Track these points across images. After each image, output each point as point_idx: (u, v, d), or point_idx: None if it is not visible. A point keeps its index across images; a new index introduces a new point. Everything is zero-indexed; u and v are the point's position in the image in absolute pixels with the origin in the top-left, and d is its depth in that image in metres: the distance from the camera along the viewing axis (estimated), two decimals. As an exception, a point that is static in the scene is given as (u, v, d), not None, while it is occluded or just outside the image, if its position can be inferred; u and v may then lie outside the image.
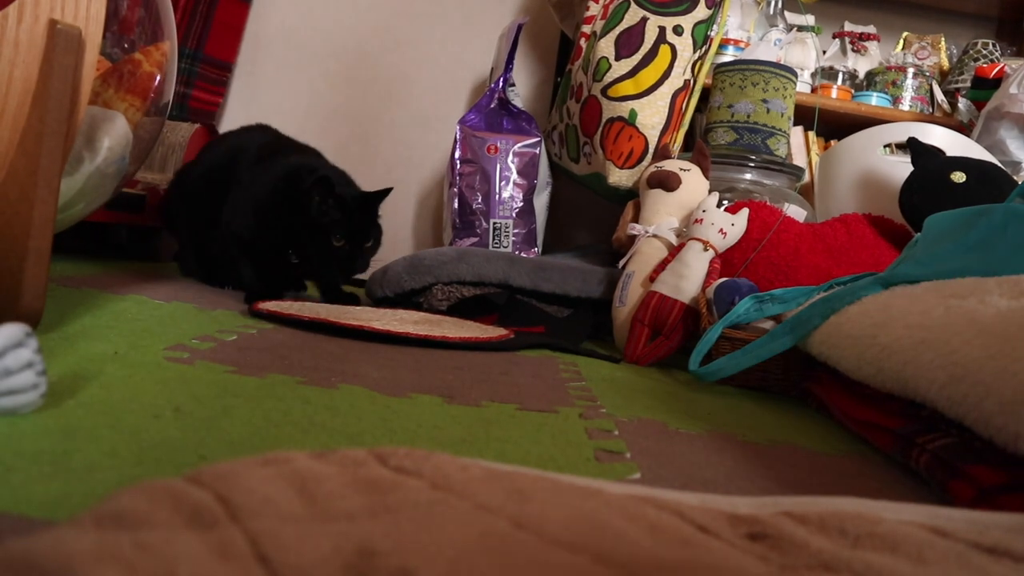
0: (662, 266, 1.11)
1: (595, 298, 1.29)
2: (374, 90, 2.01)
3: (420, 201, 2.02)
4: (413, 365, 0.80)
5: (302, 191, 1.12)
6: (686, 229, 1.14)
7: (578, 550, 0.25)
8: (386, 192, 1.18)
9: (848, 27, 1.96)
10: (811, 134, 1.78)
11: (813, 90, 1.78)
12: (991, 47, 1.79)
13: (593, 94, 1.46)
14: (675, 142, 1.46)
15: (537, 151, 1.60)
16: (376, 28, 2.00)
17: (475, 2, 2.01)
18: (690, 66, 1.44)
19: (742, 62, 1.46)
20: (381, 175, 1.99)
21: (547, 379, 0.82)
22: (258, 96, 2.00)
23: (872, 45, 1.93)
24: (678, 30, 1.43)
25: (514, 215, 1.58)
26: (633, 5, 1.46)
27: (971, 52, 1.81)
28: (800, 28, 1.79)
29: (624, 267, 1.20)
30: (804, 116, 1.70)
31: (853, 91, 1.81)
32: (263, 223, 1.16)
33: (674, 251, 1.12)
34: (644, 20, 1.44)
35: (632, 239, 1.22)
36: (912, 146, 1.21)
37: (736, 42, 1.71)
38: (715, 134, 1.47)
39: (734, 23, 1.73)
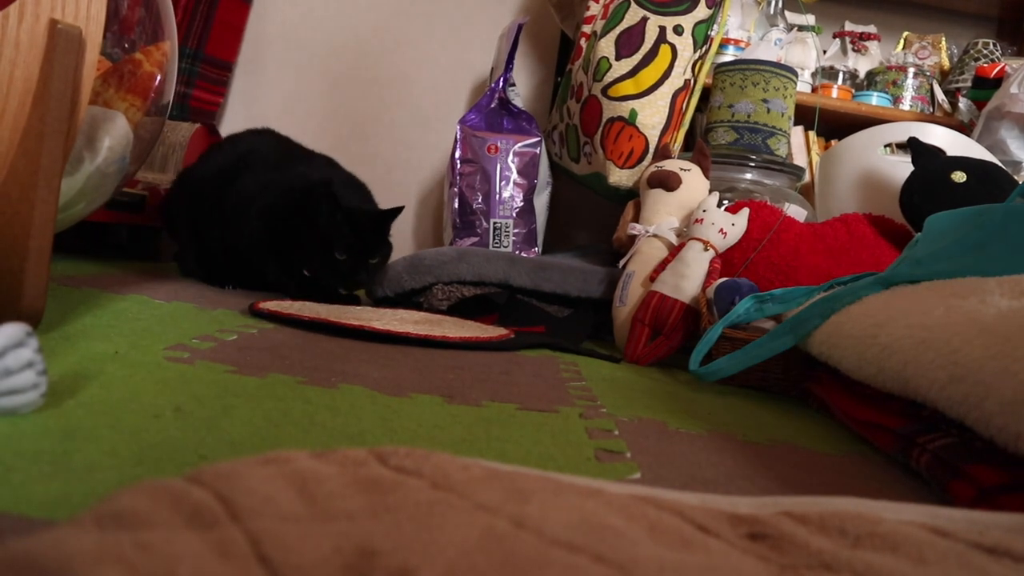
0: (662, 266, 1.11)
1: (595, 298, 1.29)
2: (374, 90, 2.01)
3: (420, 201, 2.02)
4: (413, 365, 0.80)
5: (311, 202, 1.14)
6: (686, 229, 1.14)
7: (578, 550, 0.25)
8: (398, 211, 1.20)
9: (848, 27, 1.96)
10: (811, 134, 1.78)
11: (814, 90, 1.78)
12: (992, 47, 1.79)
13: (593, 94, 1.46)
14: (675, 142, 1.46)
15: (537, 151, 1.60)
16: (376, 28, 2.00)
17: (475, 2, 2.01)
18: (690, 66, 1.44)
19: (743, 62, 1.46)
20: (381, 175, 1.99)
21: (547, 379, 0.82)
22: (258, 96, 2.00)
23: (872, 45, 1.93)
24: (678, 30, 1.43)
25: (514, 215, 1.58)
26: (633, 5, 1.46)
27: (972, 52, 1.81)
28: (800, 28, 1.79)
29: (624, 267, 1.20)
30: (804, 116, 1.70)
31: (853, 91, 1.81)
32: (274, 231, 1.18)
33: (674, 251, 1.12)
34: (644, 20, 1.44)
35: (632, 239, 1.22)
36: (912, 146, 1.21)
37: (736, 42, 1.71)
38: (715, 134, 1.47)
39: (734, 23, 1.73)
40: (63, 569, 0.20)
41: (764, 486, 0.52)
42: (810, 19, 1.80)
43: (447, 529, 0.26)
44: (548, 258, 1.44)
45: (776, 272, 1.11)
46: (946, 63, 1.90)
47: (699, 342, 0.92)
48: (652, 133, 1.42)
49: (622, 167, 1.44)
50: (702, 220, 1.09)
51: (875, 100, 1.77)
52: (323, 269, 1.17)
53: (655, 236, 1.18)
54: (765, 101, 1.42)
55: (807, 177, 1.68)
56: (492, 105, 1.65)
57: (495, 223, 1.57)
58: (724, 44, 1.69)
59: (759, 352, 0.84)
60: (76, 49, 0.67)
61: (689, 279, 1.06)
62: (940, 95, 1.79)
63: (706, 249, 1.07)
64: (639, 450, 0.56)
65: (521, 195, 1.59)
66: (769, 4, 1.77)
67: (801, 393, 0.91)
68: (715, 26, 1.48)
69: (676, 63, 1.42)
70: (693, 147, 1.31)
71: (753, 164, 1.38)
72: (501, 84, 1.64)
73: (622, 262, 1.21)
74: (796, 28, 1.79)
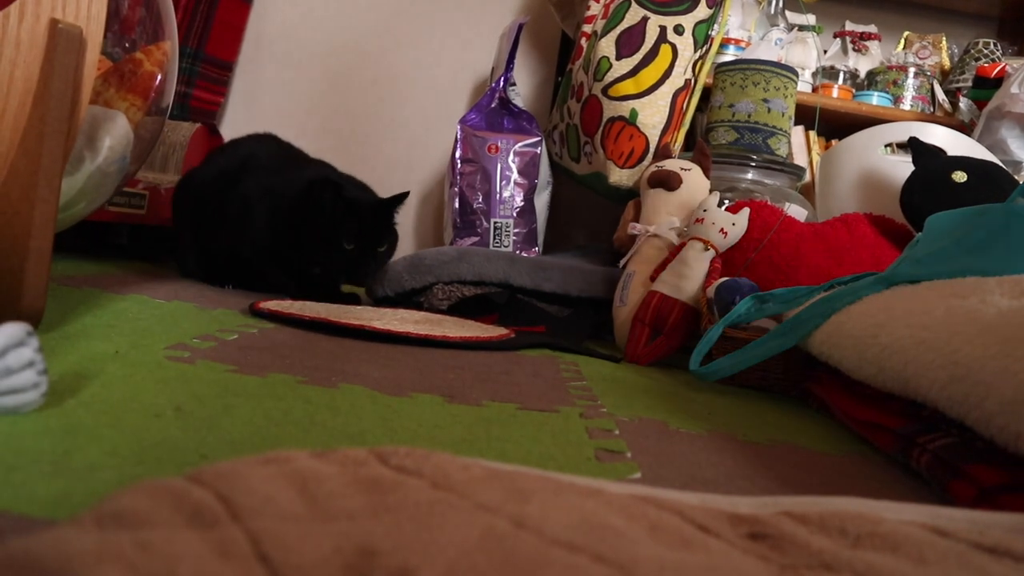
0: (663, 266, 1.11)
1: (596, 298, 1.29)
2: (375, 90, 2.01)
3: (421, 201, 2.02)
4: (414, 364, 0.80)
5: (314, 196, 1.15)
6: (687, 229, 1.14)
7: (578, 550, 0.25)
8: (402, 197, 1.21)
9: (849, 26, 1.96)
10: (812, 134, 1.78)
11: (814, 89, 1.78)
12: (992, 46, 1.79)
13: (594, 94, 1.46)
14: (676, 142, 1.46)
15: (538, 151, 1.60)
16: (377, 28, 2.00)
17: (476, 2, 2.01)
18: (691, 65, 1.44)
19: (743, 61, 1.46)
20: (381, 175, 1.99)
21: (548, 379, 0.82)
22: (259, 96, 2.00)
23: (873, 44, 1.93)
24: (679, 29, 1.43)
25: (515, 215, 1.58)
26: (634, 4, 1.46)
27: (972, 51, 1.81)
28: (801, 27, 1.79)
29: (625, 267, 1.20)
30: (805, 116, 1.70)
31: (854, 91, 1.81)
32: (283, 232, 1.19)
33: (675, 251, 1.12)
34: (645, 19, 1.44)
35: (633, 239, 1.22)
36: (913, 146, 1.21)
37: (737, 41, 1.71)
38: (716, 133, 1.47)
39: (735, 22, 1.73)
40: (64, 568, 0.20)
41: (764, 486, 0.52)
42: (811, 19, 1.80)
43: (447, 529, 0.26)
44: (548, 258, 1.44)
45: (777, 272, 1.11)
46: (947, 63, 1.90)
47: (699, 342, 0.92)
48: (652, 133, 1.41)
49: (622, 167, 1.44)
50: (703, 220, 1.09)
51: (876, 100, 1.77)
52: (331, 262, 1.18)
53: (655, 236, 1.18)
54: (766, 101, 1.42)
55: (807, 177, 1.68)
56: (493, 105, 1.65)
57: (495, 223, 1.57)
58: (725, 44, 1.69)
59: (759, 352, 0.84)
60: (77, 49, 0.67)
61: (689, 279, 1.06)
62: (941, 95, 1.79)
63: (706, 249, 1.07)
64: (639, 450, 0.56)
65: (521, 195, 1.59)
66: (770, 4, 1.77)
67: (801, 393, 0.91)
68: (716, 26, 1.48)
69: (677, 63, 1.42)
70: (694, 147, 1.31)
71: (754, 164, 1.38)
72: (502, 84, 1.64)
73: (622, 262, 1.21)
74: (797, 28, 1.79)
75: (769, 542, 0.30)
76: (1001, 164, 1.20)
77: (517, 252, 1.57)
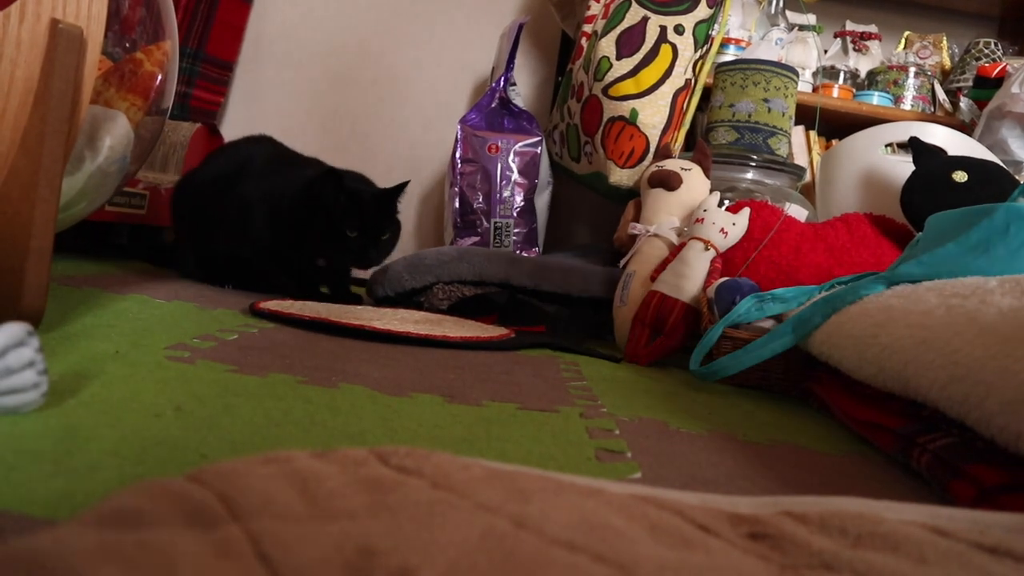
0: (663, 265, 1.11)
1: (596, 297, 1.29)
2: (375, 90, 2.01)
3: (421, 200, 2.02)
4: (414, 364, 0.80)
5: (316, 188, 1.17)
6: (687, 228, 1.14)
7: (579, 549, 0.25)
8: (402, 187, 1.22)
9: (849, 26, 1.96)
10: (812, 133, 1.78)
11: (814, 89, 1.78)
12: (993, 46, 1.79)
13: (594, 93, 1.46)
14: (676, 141, 1.46)
15: (538, 150, 1.60)
16: (377, 28, 2.00)
17: (476, 2, 2.01)
18: (691, 65, 1.44)
19: (743, 61, 1.46)
20: (382, 174, 1.98)
21: (548, 378, 0.82)
22: (259, 95, 2.00)
23: (873, 44, 1.93)
24: (679, 29, 1.43)
25: (515, 214, 1.58)
26: (634, 4, 1.46)
27: (973, 51, 1.81)
28: (801, 27, 1.79)
29: (625, 266, 1.20)
30: (805, 115, 1.70)
31: (854, 90, 1.81)
32: (284, 231, 1.20)
33: (675, 250, 1.12)
34: (645, 19, 1.44)
35: (633, 238, 1.22)
36: (914, 145, 1.21)
37: (737, 41, 1.71)
38: (716, 133, 1.46)
39: (735, 22, 1.73)
40: (64, 568, 0.20)
41: (764, 486, 0.52)
42: (811, 19, 1.80)
43: (447, 529, 0.26)
44: (549, 258, 1.44)
45: (777, 272, 1.11)
46: (947, 63, 1.90)
47: (700, 342, 0.92)
48: (653, 133, 1.41)
49: (623, 167, 1.44)
50: (703, 220, 1.09)
51: (876, 100, 1.77)
52: (335, 251, 1.20)
53: (656, 236, 1.18)
54: (766, 101, 1.42)
55: (808, 177, 1.67)
56: (493, 105, 1.65)
57: (496, 223, 1.57)
58: (725, 44, 1.69)
59: (760, 352, 0.84)
60: (77, 49, 0.67)
61: (690, 279, 1.06)
62: (941, 95, 1.79)
63: (707, 249, 1.07)
64: (639, 450, 0.56)
65: (522, 195, 1.59)
66: (770, 4, 1.77)
67: (801, 393, 0.91)
68: (716, 26, 1.48)
69: (677, 63, 1.42)
70: (694, 147, 1.31)
71: (754, 164, 1.38)
72: (502, 84, 1.64)
73: (623, 262, 1.21)
74: (797, 28, 1.79)
75: (769, 542, 0.30)
76: (1002, 164, 1.20)
77: (517, 252, 1.57)
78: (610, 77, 1.42)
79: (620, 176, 1.45)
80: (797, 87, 1.51)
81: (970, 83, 1.75)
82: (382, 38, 2.01)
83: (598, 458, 0.53)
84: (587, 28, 1.59)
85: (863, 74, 1.86)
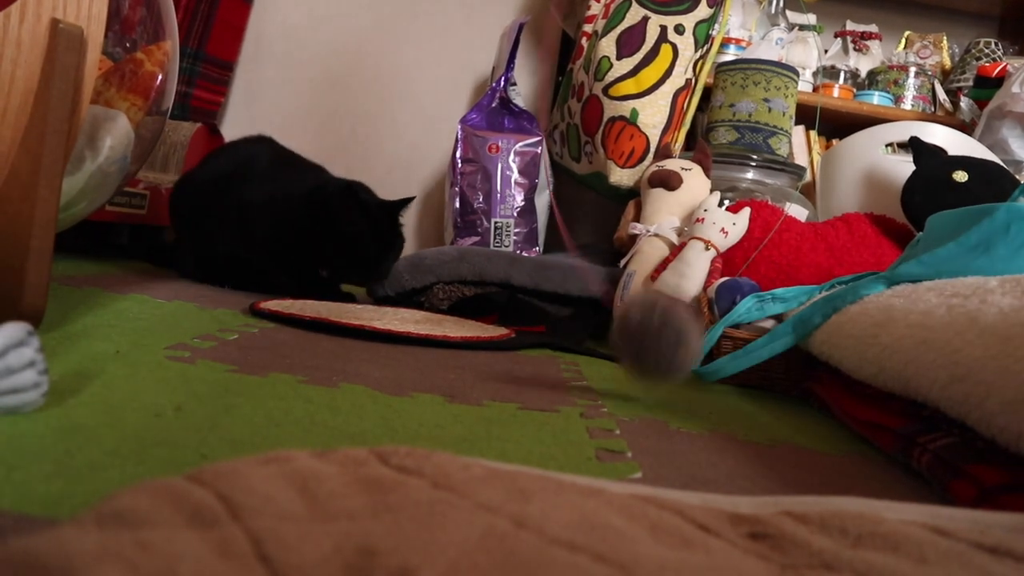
0: (663, 265, 1.11)
1: (596, 297, 1.29)
2: (375, 89, 2.01)
3: (421, 200, 2.02)
4: (414, 364, 0.80)
5: (328, 202, 1.18)
6: (687, 228, 1.14)
7: (579, 549, 0.25)
8: (408, 201, 1.23)
9: (850, 26, 1.96)
10: (813, 133, 1.78)
11: (815, 89, 1.78)
12: (993, 46, 1.79)
13: (594, 93, 1.46)
14: (676, 141, 1.46)
15: (538, 150, 1.60)
16: (377, 27, 2.00)
17: (476, 1, 2.01)
18: (691, 65, 1.44)
19: (744, 61, 1.46)
20: (382, 174, 1.99)
21: (548, 378, 0.82)
22: (259, 95, 2.00)
23: (874, 44, 1.93)
24: (679, 29, 1.43)
25: (515, 214, 1.58)
26: (635, 4, 1.46)
27: (973, 51, 1.81)
28: (802, 27, 1.79)
29: (625, 266, 1.20)
30: (806, 115, 1.70)
31: (855, 90, 1.81)
32: (287, 236, 1.20)
33: (675, 250, 1.12)
34: (645, 19, 1.44)
35: (633, 238, 1.22)
36: (914, 145, 1.21)
37: (738, 41, 1.71)
38: (716, 133, 1.46)
39: (736, 22, 1.73)
40: (64, 568, 0.20)
41: (765, 486, 0.52)
42: (811, 18, 1.80)
43: (448, 528, 0.26)
44: (549, 257, 1.44)
45: (777, 271, 1.11)
46: (947, 62, 1.90)
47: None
48: (653, 132, 1.41)
49: (623, 166, 1.44)
50: (703, 219, 1.09)
51: (876, 99, 1.77)
52: (347, 266, 1.21)
53: (656, 235, 1.18)
54: (766, 100, 1.42)
55: (808, 176, 1.67)
56: (493, 104, 1.65)
57: (496, 222, 1.57)
58: (725, 43, 1.69)
59: (760, 352, 0.84)
60: (78, 48, 0.67)
61: (690, 278, 1.06)
62: (941, 94, 1.79)
63: (707, 248, 1.07)
64: (640, 450, 0.56)
65: (522, 194, 1.59)
66: (770, 3, 1.77)
67: (802, 393, 0.91)
68: (716, 25, 1.48)
69: (677, 62, 1.42)
70: (694, 146, 1.31)
71: (754, 163, 1.38)
72: (502, 83, 1.64)
73: (623, 261, 1.21)
74: (797, 27, 1.79)
75: (770, 542, 0.30)
76: (1002, 164, 1.20)
77: (518, 252, 1.57)
78: (610, 77, 1.42)
79: (620, 176, 1.45)
80: (797, 87, 1.51)
81: (970, 83, 1.75)
82: (382, 38, 2.01)
83: (598, 458, 0.53)
84: (587, 28, 1.59)
85: (863, 74, 1.86)
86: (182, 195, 1.33)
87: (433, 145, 2.01)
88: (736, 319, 0.93)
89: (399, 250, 1.25)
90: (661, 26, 1.43)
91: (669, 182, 1.22)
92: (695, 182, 1.23)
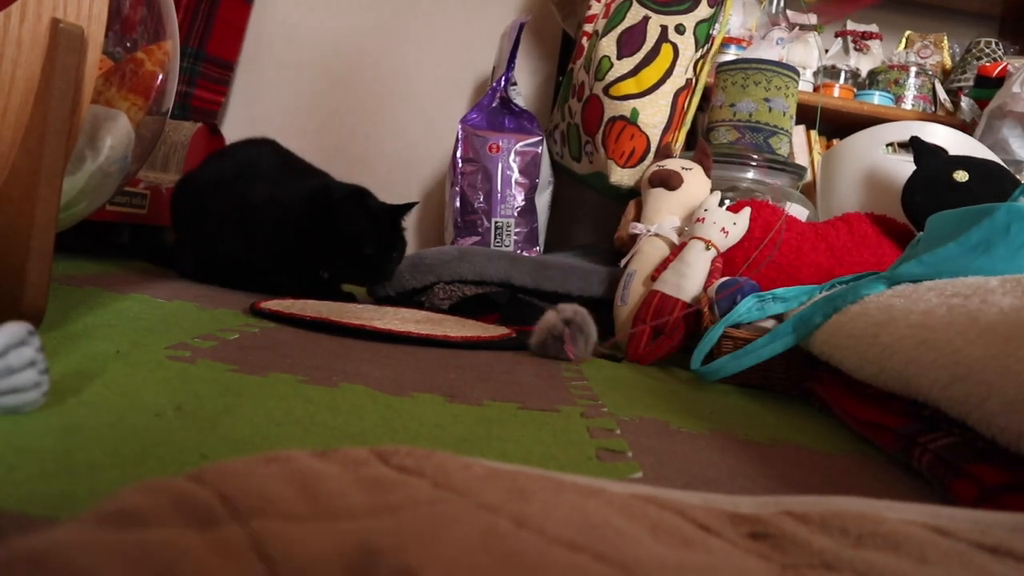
0: (664, 265, 1.11)
1: (597, 297, 1.29)
2: (375, 89, 2.01)
3: (422, 200, 2.02)
4: (415, 364, 0.80)
5: (333, 206, 1.18)
6: (688, 228, 1.14)
7: (579, 549, 0.25)
8: (411, 206, 1.24)
9: (850, 26, 1.96)
10: (813, 133, 1.77)
11: (815, 89, 1.78)
12: (994, 46, 1.79)
13: (595, 93, 1.46)
14: (677, 141, 1.46)
15: (539, 150, 1.60)
16: (378, 27, 2.00)
17: (477, 1, 2.01)
18: (692, 65, 1.44)
19: (744, 61, 1.46)
20: (383, 174, 1.99)
21: (549, 378, 0.82)
22: (260, 95, 2.00)
23: (874, 44, 1.93)
24: (680, 29, 1.43)
25: (516, 214, 1.58)
26: (635, 4, 1.46)
27: (974, 51, 1.81)
28: (802, 27, 1.79)
29: (626, 266, 1.20)
30: (806, 115, 1.70)
31: (855, 90, 1.80)
32: (289, 239, 1.21)
33: (676, 250, 1.12)
34: (646, 19, 1.44)
35: (634, 238, 1.22)
36: (914, 145, 1.21)
37: (738, 41, 1.71)
38: (717, 133, 1.46)
39: (736, 22, 1.73)
40: (65, 568, 0.20)
41: (766, 485, 0.52)
42: (812, 18, 1.80)
43: (449, 528, 0.26)
44: (549, 257, 1.44)
45: (778, 271, 1.11)
46: (948, 62, 1.90)
47: (701, 341, 0.92)
48: (653, 132, 1.41)
49: (623, 166, 1.44)
50: (704, 219, 1.09)
51: (877, 99, 1.77)
52: (351, 269, 1.22)
53: (656, 235, 1.18)
54: (767, 100, 1.42)
55: (809, 176, 1.67)
56: (494, 104, 1.65)
57: (496, 222, 1.57)
58: (726, 43, 1.69)
59: (761, 351, 0.84)
60: (78, 48, 0.67)
61: (690, 278, 1.06)
62: (942, 94, 1.79)
63: (708, 248, 1.07)
64: (640, 449, 0.56)
65: (522, 194, 1.59)
66: (771, 3, 1.77)
67: (802, 392, 0.91)
68: (717, 25, 1.48)
69: (678, 62, 1.42)
70: (695, 146, 1.31)
71: (755, 163, 1.38)
72: (503, 83, 1.64)
73: (623, 261, 1.21)
74: (798, 27, 1.79)
75: (770, 541, 0.30)
76: (1002, 163, 1.20)
77: (518, 252, 1.57)
78: (611, 76, 1.42)
79: (621, 176, 1.45)
80: (798, 86, 1.51)
81: (971, 82, 1.75)
82: (383, 38, 2.01)
83: (599, 458, 0.53)
84: (588, 28, 1.59)
85: (864, 73, 1.86)
86: (183, 195, 1.33)
87: (433, 145, 2.01)
88: (736, 319, 0.93)
89: (401, 253, 1.26)
90: (662, 26, 1.43)
91: (670, 182, 1.22)
92: (696, 182, 1.23)
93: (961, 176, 1.11)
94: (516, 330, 1.11)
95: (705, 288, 1.05)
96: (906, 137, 1.29)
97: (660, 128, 1.41)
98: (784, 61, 1.62)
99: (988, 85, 1.63)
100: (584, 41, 1.58)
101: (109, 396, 0.52)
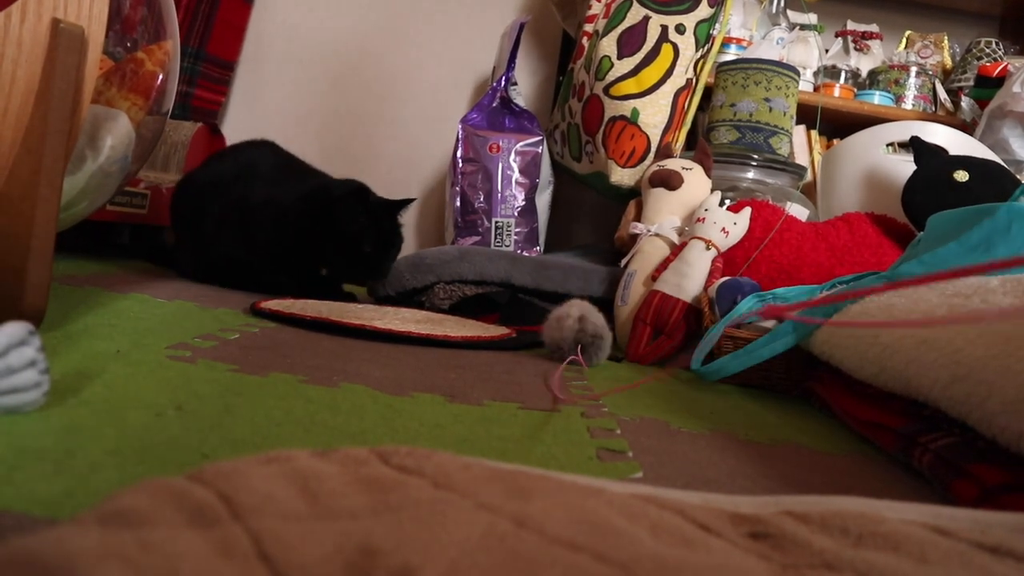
0: (664, 265, 1.11)
1: (597, 297, 1.29)
2: (376, 89, 2.01)
3: (422, 200, 2.02)
4: (415, 364, 0.80)
5: (333, 203, 1.19)
6: (688, 228, 1.14)
7: (579, 549, 0.25)
8: (408, 202, 1.24)
9: (851, 26, 1.96)
10: (814, 133, 1.77)
11: (816, 89, 1.78)
12: (994, 45, 1.79)
13: (595, 93, 1.46)
14: (677, 141, 1.46)
15: (539, 150, 1.60)
16: (378, 27, 2.00)
17: (477, 1, 2.01)
18: (692, 65, 1.44)
19: (744, 61, 1.46)
20: (383, 174, 1.99)
21: (549, 378, 0.82)
22: (260, 95, 2.00)
23: (875, 44, 1.93)
24: (680, 29, 1.43)
25: (516, 214, 1.58)
26: (635, 4, 1.46)
27: (974, 51, 1.81)
28: (803, 27, 1.79)
29: (626, 266, 1.20)
30: (807, 115, 1.70)
31: (856, 90, 1.80)
32: (288, 238, 1.21)
33: (676, 250, 1.12)
34: (646, 19, 1.44)
35: (634, 238, 1.22)
36: (915, 145, 1.21)
37: (739, 41, 1.71)
38: (717, 133, 1.46)
39: (736, 22, 1.73)
40: (65, 567, 0.20)
41: (766, 485, 0.52)
42: (812, 18, 1.80)
43: (449, 528, 0.26)
44: (550, 257, 1.44)
45: (778, 271, 1.11)
46: (948, 62, 1.90)
47: (701, 341, 0.92)
48: (654, 132, 1.41)
49: (624, 166, 1.44)
50: (704, 219, 1.09)
51: (877, 99, 1.77)
52: (350, 266, 1.22)
53: (657, 235, 1.18)
54: (767, 100, 1.42)
55: (809, 176, 1.67)
56: (494, 104, 1.65)
57: (497, 222, 1.57)
58: (726, 43, 1.69)
59: (761, 351, 0.84)
60: (78, 48, 0.67)
61: (691, 278, 1.06)
62: (942, 94, 1.79)
63: (708, 248, 1.07)
64: (641, 449, 0.56)
65: (523, 194, 1.59)
66: (771, 3, 1.77)
67: (803, 392, 0.91)
68: (717, 25, 1.48)
69: (678, 62, 1.42)
70: (695, 146, 1.31)
71: (755, 163, 1.38)
72: (503, 83, 1.64)
73: (624, 261, 1.21)
74: (798, 27, 1.79)
75: (770, 541, 0.30)
76: (1003, 163, 1.20)
77: (518, 251, 1.57)
78: (611, 76, 1.42)
79: (621, 175, 1.45)
80: (798, 86, 1.51)
81: (971, 82, 1.75)
82: (383, 38, 2.01)
83: (599, 458, 0.53)
84: (588, 27, 1.59)
85: (864, 73, 1.86)
86: (183, 196, 1.33)
87: (434, 145, 2.01)
88: (737, 319, 0.93)
89: (398, 249, 1.26)
90: (662, 26, 1.43)
91: (670, 182, 1.22)
92: (696, 182, 1.23)
93: (961, 176, 1.11)
94: (516, 330, 1.11)
95: (706, 288, 1.05)
96: (906, 137, 1.29)
97: (660, 128, 1.41)
98: (784, 61, 1.62)
99: (988, 85, 1.63)
100: (584, 41, 1.58)
101: (109, 396, 0.52)
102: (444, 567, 0.23)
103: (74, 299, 0.90)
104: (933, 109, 1.79)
